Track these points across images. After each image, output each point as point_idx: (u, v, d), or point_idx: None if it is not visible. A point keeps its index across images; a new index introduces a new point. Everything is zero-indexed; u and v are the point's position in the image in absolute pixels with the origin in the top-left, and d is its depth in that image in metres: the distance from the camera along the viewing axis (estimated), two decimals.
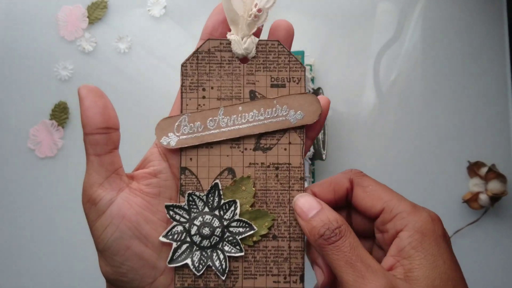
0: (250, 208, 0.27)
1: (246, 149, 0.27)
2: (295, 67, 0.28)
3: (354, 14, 0.61)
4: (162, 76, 0.62)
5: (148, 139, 0.29)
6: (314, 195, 0.27)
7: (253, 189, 0.27)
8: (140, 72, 0.63)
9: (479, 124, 0.57)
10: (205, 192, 0.27)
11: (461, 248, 0.55)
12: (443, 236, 0.24)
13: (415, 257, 0.23)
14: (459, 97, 0.58)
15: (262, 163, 0.27)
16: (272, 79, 0.27)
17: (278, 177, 0.27)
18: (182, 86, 0.27)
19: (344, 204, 0.27)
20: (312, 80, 0.58)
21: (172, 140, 0.27)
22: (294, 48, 0.56)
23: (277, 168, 0.27)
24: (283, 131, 0.27)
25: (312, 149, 0.55)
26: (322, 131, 0.56)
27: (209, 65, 0.27)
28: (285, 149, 0.27)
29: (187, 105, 0.27)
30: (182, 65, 0.27)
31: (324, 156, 0.56)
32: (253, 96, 0.27)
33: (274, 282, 0.26)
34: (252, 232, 0.26)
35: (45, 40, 0.64)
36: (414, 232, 0.23)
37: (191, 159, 0.27)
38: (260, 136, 0.27)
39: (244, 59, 0.28)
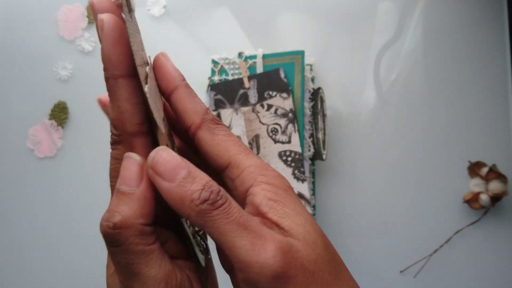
0: None
1: None
2: None
3: (354, 13, 0.61)
4: None
5: None
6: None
7: None
8: None
9: (479, 124, 0.57)
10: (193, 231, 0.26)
11: (461, 248, 0.55)
12: (291, 188, 0.22)
13: (276, 207, 0.21)
14: (460, 97, 0.57)
15: None
16: None
17: None
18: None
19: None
20: (312, 80, 0.58)
21: None
22: (294, 48, 0.56)
23: None
24: None
25: (312, 149, 0.55)
26: (322, 131, 0.56)
27: None
28: None
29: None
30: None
31: (324, 156, 0.56)
32: None
33: None
34: None
35: (44, 40, 0.64)
36: (266, 184, 0.21)
37: None
38: None
39: None
